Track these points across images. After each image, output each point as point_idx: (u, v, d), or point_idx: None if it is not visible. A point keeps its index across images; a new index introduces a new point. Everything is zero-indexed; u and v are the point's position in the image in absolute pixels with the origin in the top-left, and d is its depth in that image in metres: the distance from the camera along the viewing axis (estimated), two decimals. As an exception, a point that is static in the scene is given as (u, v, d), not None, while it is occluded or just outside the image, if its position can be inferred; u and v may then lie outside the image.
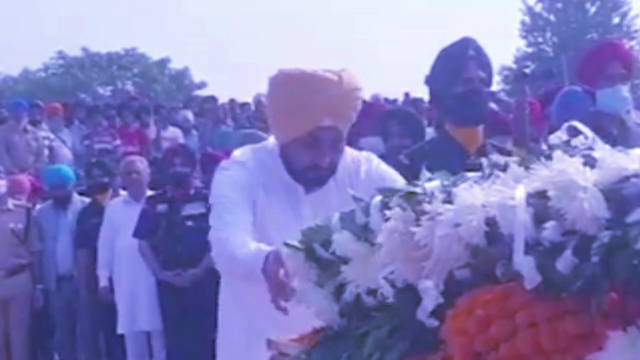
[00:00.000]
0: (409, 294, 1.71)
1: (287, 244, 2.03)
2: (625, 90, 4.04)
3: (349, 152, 2.63)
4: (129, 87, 33.99)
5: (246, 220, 2.44)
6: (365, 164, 2.60)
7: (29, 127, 10.42)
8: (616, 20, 36.55)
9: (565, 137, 1.52)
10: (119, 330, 6.59)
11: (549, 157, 1.44)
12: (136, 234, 6.34)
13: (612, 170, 1.35)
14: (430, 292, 1.65)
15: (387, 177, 2.56)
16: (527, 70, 4.78)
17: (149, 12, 66.40)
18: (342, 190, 2.44)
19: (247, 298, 2.55)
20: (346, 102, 2.42)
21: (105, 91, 34.89)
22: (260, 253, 2.25)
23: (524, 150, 1.63)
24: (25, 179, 7.74)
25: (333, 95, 2.36)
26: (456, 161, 2.73)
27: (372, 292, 1.84)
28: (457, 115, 3.18)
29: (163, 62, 38.47)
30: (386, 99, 14.38)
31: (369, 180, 2.51)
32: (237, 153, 2.62)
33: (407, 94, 16.14)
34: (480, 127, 3.23)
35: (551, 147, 1.49)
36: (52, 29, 62.16)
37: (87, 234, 6.76)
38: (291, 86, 2.44)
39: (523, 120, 4.67)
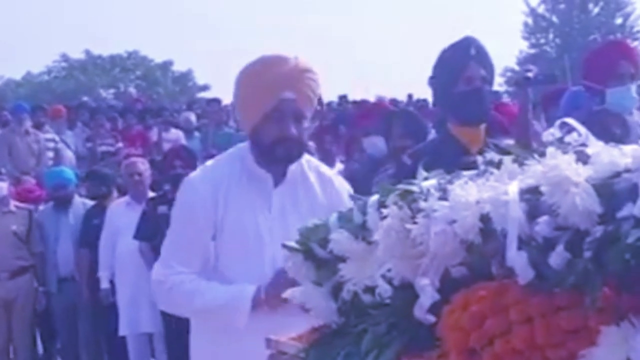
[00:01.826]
0: (406, 292, 1.72)
1: (285, 245, 2.07)
2: (634, 89, 4.05)
3: (326, 168, 2.98)
4: (132, 89, 34.02)
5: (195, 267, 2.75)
6: (338, 192, 2.85)
7: (31, 130, 10.45)
8: (619, 21, 36.52)
9: (558, 134, 1.52)
10: (121, 333, 6.59)
11: (542, 154, 1.45)
12: (137, 235, 6.34)
13: (604, 165, 1.36)
14: (427, 290, 1.65)
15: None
16: (529, 74, 4.77)
17: (151, 15, 66.45)
18: (310, 190, 2.80)
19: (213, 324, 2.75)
20: (302, 78, 2.71)
21: (107, 94, 34.93)
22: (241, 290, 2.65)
23: (519, 147, 1.63)
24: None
25: (289, 69, 2.69)
26: (458, 160, 2.72)
27: (369, 290, 1.84)
28: (459, 114, 3.18)
29: (166, 65, 38.51)
30: (394, 100, 14.39)
31: (329, 204, 2.73)
32: (200, 169, 2.90)
33: (410, 96, 16.16)
34: (483, 127, 3.23)
35: (545, 144, 1.50)
36: (55, 33, 62.25)
37: (89, 234, 6.78)
38: (252, 67, 2.76)
39: (526, 123, 4.66)
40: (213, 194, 2.73)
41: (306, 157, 2.88)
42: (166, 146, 10.32)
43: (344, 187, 2.91)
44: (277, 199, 2.78)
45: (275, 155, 2.72)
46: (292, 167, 2.79)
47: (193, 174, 2.88)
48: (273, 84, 2.67)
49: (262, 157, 2.75)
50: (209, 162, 2.88)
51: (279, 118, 2.68)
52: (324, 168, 2.96)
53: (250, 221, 2.74)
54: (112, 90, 35.79)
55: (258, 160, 2.76)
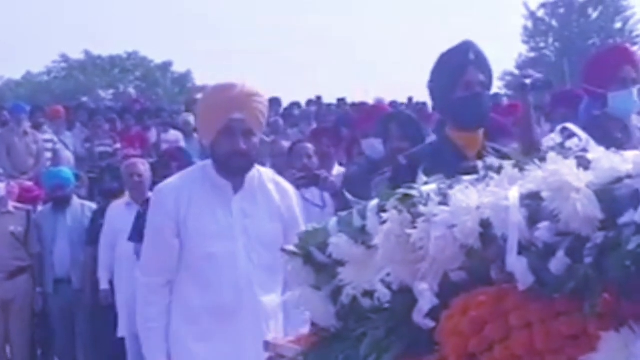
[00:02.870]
0: (405, 296, 1.72)
1: (284, 250, 2.10)
2: (636, 94, 4.06)
3: (282, 180, 3.44)
4: (131, 90, 34.01)
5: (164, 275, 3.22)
6: (290, 200, 3.33)
7: (29, 130, 10.43)
8: (618, 25, 36.55)
9: (559, 139, 1.52)
10: (120, 334, 6.58)
11: (543, 159, 1.45)
12: (131, 237, 6.29)
13: (606, 171, 1.36)
14: (426, 294, 1.65)
15: (296, 222, 3.28)
16: (527, 81, 4.81)
17: (151, 15, 66.40)
18: (267, 196, 3.24)
19: (191, 303, 3.17)
20: (249, 101, 3.15)
21: (107, 94, 34.88)
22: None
23: (520, 152, 1.63)
24: (15, 185, 7.68)
25: (237, 93, 3.14)
26: (455, 164, 2.73)
27: (368, 294, 1.84)
28: (457, 119, 3.18)
29: (165, 66, 38.50)
30: (394, 102, 14.37)
31: (287, 213, 3.27)
32: (170, 178, 3.38)
33: (410, 99, 16.14)
34: (481, 131, 3.23)
35: (545, 149, 1.50)
36: (55, 33, 62.21)
37: (95, 234, 6.78)
38: (207, 93, 3.37)
39: (530, 128, 4.69)
40: (176, 198, 3.16)
41: (263, 170, 3.35)
42: (165, 147, 10.31)
43: (298, 199, 3.45)
44: (236, 204, 3.19)
45: (230, 166, 3.16)
46: (250, 176, 3.22)
47: (163, 183, 3.37)
48: (224, 106, 3.13)
49: (220, 168, 3.19)
50: (178, 173, 3.40)
51: (230, 135, 3.12)
52: (280, 179, 3.41)
53: (211, 221, 3.14)
54: (111, 91, 35.74)
55: (218, 171, 3.19)
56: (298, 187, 5.89)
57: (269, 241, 3.17)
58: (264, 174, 3.31)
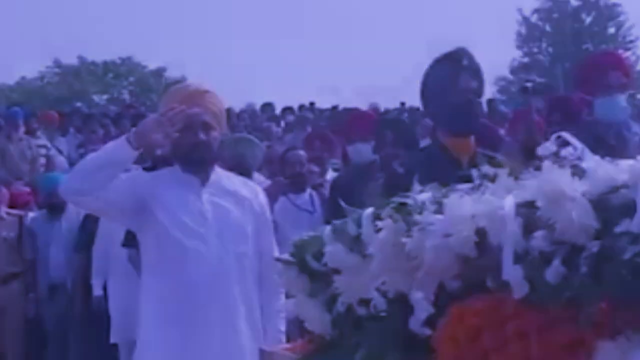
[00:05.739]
0: (401, 305, 1.72)
1: (278, 259, 2.10)
2: (623, 99, 4.07)
3: (251, 182, 3.65)
4: (125, 95, 33.93)
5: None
6: (262, 199, 3.47)
7: (23, 136, 10.41)
8: (612, 30, 36.63)
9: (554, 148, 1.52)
10: (112, 340, 6.55)
11: (538, 168, 1.45)
12: (125, 243, 6.28)
13: (601, 180, 1.36)
14: (422, 303, 1.65)
15: (268, 220, 3.48)
16: (528, 85, 4.91)
17: (145, 21, 66.28)
18: (235, 187, 3.37)
19: (162, 289, 3.27)
20: (203, 97, 3.34)
21: (100, 100, 34.82)
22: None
23: (516, 161, 1.63)
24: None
25: (192, 91, 3.37)
26: (449, 170, 2.74)
27: (364, 303, 1.84)
28: (450, 125, 3.18)
29: (159, 71, 38.45)
30: (387, 109, 14.37)
31: (259, 209, 3.41)
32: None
33: (402, 104, 16.15)
34: (472, 137, 3.24)
35: (540, 158, 1.50)
36: (49, 38, 62.05)
37: (84, 241, 6.75)
38: (164, 96, 3.55)
39: (532, 131, 4.74)
40: (146, 181, 3.32)
41: (231, 174, 3.49)
42: (159, 152, 10.27)
43: (265, 199, 3.51)
44: (206, 195, 3.31)
45: (192, 159, 3.29)
46: (216, 173, 3.37)
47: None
48: (182, 103, 3.26)
49: (184, 164, 3.32)
50: (150, 174, 3.55)
51: (189, 129, 3.25)
52: (249, 182, 3.59)
53: (183, 210, 3.24)
54: (105, 96, 35.69)
55: (183, 168, 3.33)
56: (286, 192, 5.90)
57: (242, 231, 3.29)
58: (231, 176, 3.47)
